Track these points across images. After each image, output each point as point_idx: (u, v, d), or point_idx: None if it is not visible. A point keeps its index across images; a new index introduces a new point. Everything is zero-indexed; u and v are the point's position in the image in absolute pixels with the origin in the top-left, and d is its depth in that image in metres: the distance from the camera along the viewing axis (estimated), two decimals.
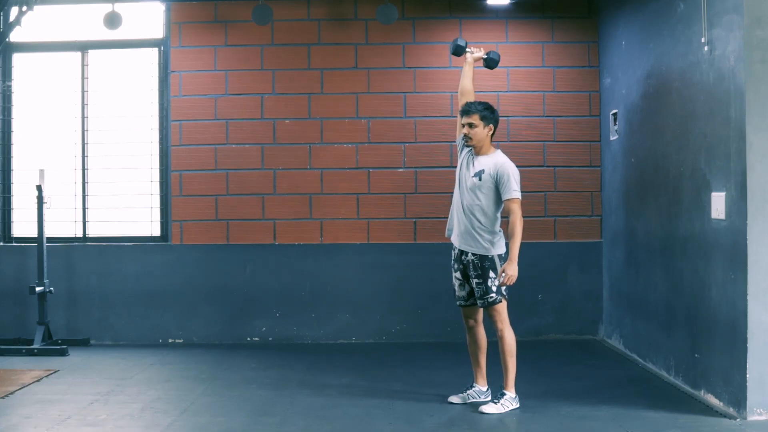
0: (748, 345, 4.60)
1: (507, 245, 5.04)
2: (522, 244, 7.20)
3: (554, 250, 7.38)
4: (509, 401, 4.99)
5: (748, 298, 4.60)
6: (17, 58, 7.61)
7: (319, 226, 7.39)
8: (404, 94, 7.39)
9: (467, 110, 5.08)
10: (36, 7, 6.90)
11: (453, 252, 5.17)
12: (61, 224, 7.44)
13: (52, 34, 7.54)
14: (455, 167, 7.31)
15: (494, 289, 4.97)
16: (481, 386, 5.20)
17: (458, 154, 5.25)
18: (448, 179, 7.31)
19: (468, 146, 5.13)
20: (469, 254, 5.03)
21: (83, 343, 7.19)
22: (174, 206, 7.40)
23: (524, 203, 7.31)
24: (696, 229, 5.24)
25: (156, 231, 7.51)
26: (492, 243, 5.00)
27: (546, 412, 4.97)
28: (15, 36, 7.34)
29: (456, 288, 5.18)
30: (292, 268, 7.36)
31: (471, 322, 5.19)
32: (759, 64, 4.61)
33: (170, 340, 7.37)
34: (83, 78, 7.52)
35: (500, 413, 4.91)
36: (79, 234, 7.50)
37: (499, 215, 5.04)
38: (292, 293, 7.36)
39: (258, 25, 7.09)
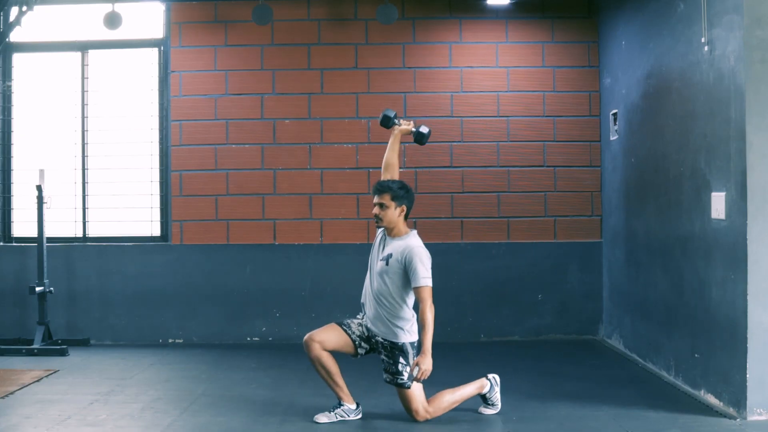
0: (748, 345, 4.60)
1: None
2: (522, 244, 7.36)
3: (554, 250, 7.38)
4: (491, 392, 4.92)
5: (748, 298, 4.60)
6: (17, 58, 7.61)
7: (319, 226, 7.39)
8: (404, 94, 7.39)
9: (379, 189, 4.76)
10: (36, 7, 6.90)
11: (363, 319, 4.84)
12: (61, 224, 7.44)
13: (52, 34, 7.54)
14: (455, 167, 7.39)
15: (405, 374, 4.69)
16: (350, 404, 4.85)
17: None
18: (448, 179, 7.34)
19: (378, 227, 4.86)
20: (379, 337, 4.76)
21: (83, 343, 7.19)
22: (174, 206, 7.40)
23: (524, 203, 7.42)
24: (696, 229, 5.24)
25: (156, 231, 7.51)
26: (404, 331, 4.71)
27: (546, 412, 4.97)
28: (15, 36, 7.34)
29: (354, 320, 4.87)
30: (292, 268, 7.36)
31: (315, 344, 4.69)
32: (759, 64, 4.61)
33: (170, 340, 7.37)
34: (83, 78, 7.52)
35: (498, 410, 4.91)
36: (79, 234, 7.50)
37: (409, 302, 4.72)
38: (292, 293, 7.36)
39: (258, 25, 7.08)
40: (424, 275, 4.60)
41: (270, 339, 7.36)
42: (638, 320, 6.42)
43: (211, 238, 7.38)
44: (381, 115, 5.13)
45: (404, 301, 4.72)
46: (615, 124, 6.93)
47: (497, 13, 7.39)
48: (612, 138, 7.01)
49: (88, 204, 7.51)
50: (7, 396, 5.37)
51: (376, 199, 4.78)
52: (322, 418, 4.77)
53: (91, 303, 7.37)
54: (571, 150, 7.41)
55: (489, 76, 7.40)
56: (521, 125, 7.40)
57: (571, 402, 5.17)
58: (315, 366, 4.78)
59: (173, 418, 4.90)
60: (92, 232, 7.52)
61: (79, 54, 7.53)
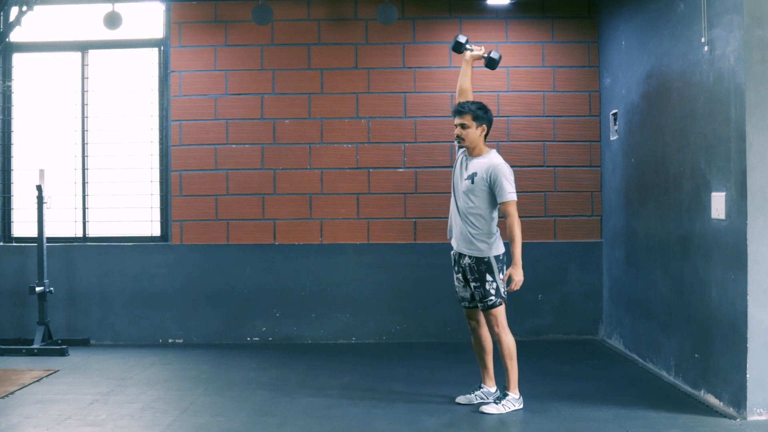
0: (748, 345, 4.60)
1: (505, 246, 5.02)
2: (522, 244, 7.31)
3: (554, 250, 7.38)
4: (512, 402, 4.97)
5: (748, 298, 4.60)
6: (17, 58, 7.61)
7: (319, 226, 7.39)
8: (404, 94, 7.39)
9: (459, 110, 4.98)
10: (36, 7, 6.90)
11: (452, 254, 5.13)
12: (61, 224, 7.44)
13: (52, 34, 7.54)
14: None
15: (492, 291, 4.92)
16: (489, 387, 5.15)
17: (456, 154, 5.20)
18: (448, 179, 7.29)
19: (461, 147, 5.05)
20: (466, 257, 4.97)
21: (83, 343, 7.19)
22: (174, 206, 7.40)
23: (524, 203, 7.37)
24: (696, 229, 5.24)
25: (156, 231, 7.51)
26: (489, 245, 4.92)
27: (546, 412, 4.97)
28: (15, 36, 7.34)
29: (459, 289, 5.14)
30: (292, 268, 7.36)
31: (473, 323, 5.13)
32: (759, 64, 4.61)
33: (170, 340, 7.37)
34: (83, 78, 7.52)
35: (501, 413, 4.91)
36: (79, 234, 7.50)
37: (495, 217, 4.95)
38: (292, 293, 7.36)
39: (258, 25, 7.08)
40: (510, 190, 4.85)
41: (270, 339, 7.36)
42: (638, 320, 6.42)
43: (211, 238, 7.38)
44: (453, 41, 5.31)
45: (490, 217, 4.93)
46: (615, 124, 6.93)
47: (497, 13, 7.39)
48: (612, 138, 7.01)
49: (88, 204, 7.51)
50: (7, 396, 5.37)
51: (457, 120, 4.97)
52: (463, 399, 5.11)
53: (91, 303, 7.36)
54: (571, 150, 7.41)
55: (489, 76, 7.37)
56: (521, 125, 7.40)
57: (571, 402, 5.17)
58: (474, 343, 5.16)
59: (173, 418, 4.90)
60: (92, 232, 7.52)
61: (79, 54, 7.53)
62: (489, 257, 4.92)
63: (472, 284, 4.98)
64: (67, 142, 7.52)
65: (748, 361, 4.60)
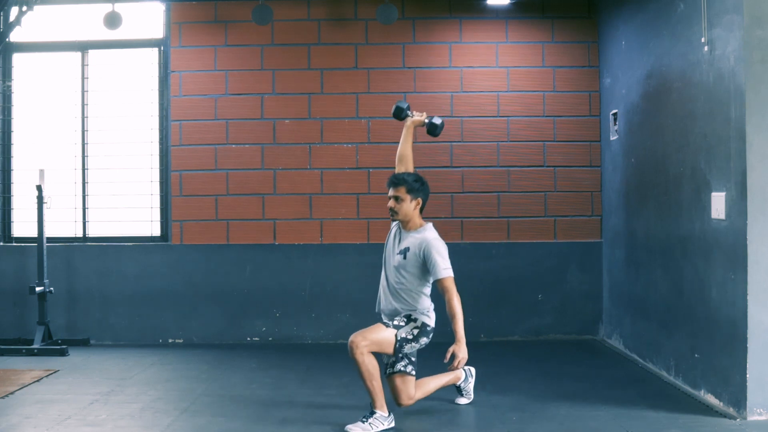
0: (748, 345, 4.60)
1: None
2: (522, 244, 7.37)
3: (554, 250, 7.38)
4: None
5: (748, 298, 4.60)
6: (17, 58, 7.61)
7: (319, 226, 7.39)
8: (404, 94, 7.39)
9: (394, 182, 4.78)
10: (36, 7, 6.90)
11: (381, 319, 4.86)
12: (61, 224, 7.44)
13: (52, 34, 7.54)
14: (455, 167, 7.39)
15: (410, 338, 4.70)
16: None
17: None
18: (448, 179, 7.33)
19: (394, 220, 4.87)
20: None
21: (83, 343, 7.19)
22: (174, 206, 7.40)
23: (524, 203, 7.42)
24: (696, 229, 5.24)
25: (156, 231, 7.51)
26: (423, 314, 4.74)
27: (546, 412, 4.97)
28: (15, 36, 7.34)
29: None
30: (292, 268, 7.36)
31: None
32: (759, 64, 4.61)
33: (170, 340, 7.37)
34: (83, 78, 7.52)
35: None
36: (79, 234, 7.50)
37: (426, 292, 4.75)
38: (292, 293, 7.36)
39: (258, 25, 7.08)
40: (444, 266, 4.61)
41: (270, 339, 7.36)
42: (638, 320, 6.42)
43: (211, 238, 7.38)
44: (394, 107, 5.13)
45: (422, 293, 4.75)
46: (615, 124, 6.93)
47: (497, 13, 7.40)
48: (612, 138, 7.02)
49: (88, 204, 7.51)
50: (7, 396, 5.37)
51: (391, 192, 4.80)
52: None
53: (91, 303, 7.37)
54: (571, 150, 7.41)
55: (489, 76, 7.40)
56: (521, 125, 7.40)
57: (571, 402, 5.17)
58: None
59: (173, 418, 4.90)
60: (92, 232, 7.52)
61: (79, 54, 7.53)
62: (419, 318, 4.72)
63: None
64: (67, 142, 7.52)
65: (748, 361, 4.60)
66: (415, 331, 4.71)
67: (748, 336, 4.60)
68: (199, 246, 7.38)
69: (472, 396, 5.10)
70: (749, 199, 4.60)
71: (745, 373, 4.62)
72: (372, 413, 4.62)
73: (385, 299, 4.84)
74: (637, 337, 6.47)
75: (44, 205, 6.95)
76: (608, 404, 5.10)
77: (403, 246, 4.77)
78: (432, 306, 4.81)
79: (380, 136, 7.38)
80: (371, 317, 7.31)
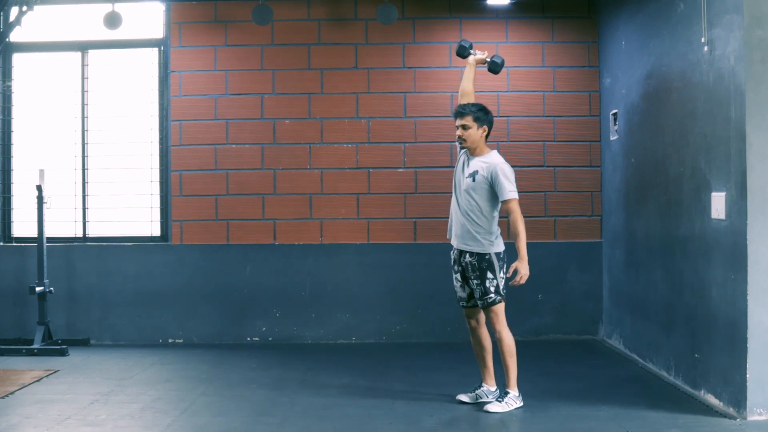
0: (748, 345, 4.60)
1: (505, 245, 5.07)
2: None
3: (554, 250, 7.38)
4: (513, 400, 5.00)
5: (748, 298, 4.60)
6: (17, 58, 7.61)
7: (319, 226, 7.39)
8: (404, 94, 7.39)
9: (461, 112, 5.08)
10: (36, 7, 6.90)
11: (452, 253, 5.17)
12: (61, 224, 7.44)
13: (52, 34, 7.54)
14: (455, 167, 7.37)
15: (492, 289, 4.98)
16: (490, 386, 5.19)
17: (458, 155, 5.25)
18: (448, 179, 7.29)
19: (462, 148, 5.13)
20: (467, 255, 5.03)
21: (83, 343, 7.19)
22: (174, 206, 7.40)
23: (524, 203, 7.32)
24: (696, 229, 5.24)
25: (156, 231, 7.51)
26: (491, 242, 5.00)
27: (546, 412, 4.97)
28: (15, 36, 7.34)
29: (457, 289, 5.19)
30: (292, 268, 7.36)
31: (473, 323, 5.19)
32: (759, 64, 4.61)
33: (170, 340, 7.37)
34: (83, 78, 7.52)
35: (504, 412, 4.93)
36: (79, 234, 7.50)
37: (496, 215, 5.03)
38: (292, 293, 7.36)
39: (258, 25, 7.08)
40: (511, 189, 4.93)
41: (270, 339, 7.36)
42: (638, 320, 6.42)
43: (211, 238, 7.38)
44: (458, 45, 5.42)
45: (491, 215, 5.00)
46: (615, 124, 6.93)
47: (497, 13, 7.40)
48: (612, 138, 7.01)
49: (88, 204, 7.51)
50: (7, 396, 5.37)
51: (458, 122, 5.06)
52: (464, 397, 5.14)
53: (91, 303, 7.36)
54: (571, 150, 7.41)
55: (489, 76, 7.37)
56: (521, 125, 7.40)
57: (571, 402, 5.17)
58: (474, 344, 5.21)
59: (173, 418, 4.90)
60: (92, 232, 7.52)
61: (79, 54, 7.53)
62: (490, 254, 4.99)
63: (473, 281, 5.02)
64: (67, 142, 7.52)
65: (748, 361, 4.60)
66: (494, 273, 4.99)
67: (748, 336, 4.60)
68: (199, 246, 7.38)
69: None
70: (749, 199, 4.60)
71: (745, 373, 4.62)
72: (506, 393, 5.04)
73: (456, 223, 5.09)
74: (637, 337, 6.47)
75: (44, 205, 6.95)
76: (608, 404, 5.10)
77: (471, 170, 5.02)
78: (499, 230, 5.06)
79: (380, 136, 7.38)
80: (371, 317, 7.36)
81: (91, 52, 7.55)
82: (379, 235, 7.37)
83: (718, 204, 4.90)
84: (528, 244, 7.26)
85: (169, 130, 7.42)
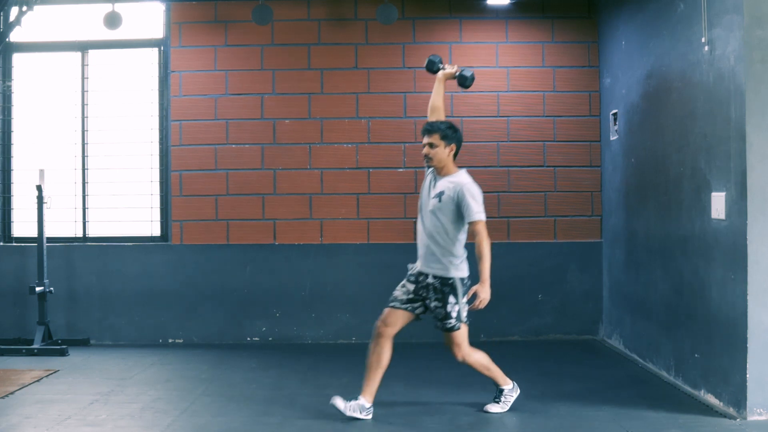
0: (748, 345, 4.60)
1: (470, 269, 4.89)
2: (522, 244, 7.37)
3: (554, 250, 7.38)
4: (509, 394, 4.98)
5: (748, 298, 4.60)
6: (17, 58, 7.61)
7: (319, 226, 7.39)
8: (404, 94, 7.39)
9: (428, 129, 4.89)
10: (36, 7, 6.90)
11: (411, 268, 4.95)
12: (61, 224, 7.45)
13: (52, 34, 7.54)
14: None
15: (454, 314, 4.78)
16: (365, 402, 4.84)
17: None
18: None
19: (429, 166, 4.94)
20: (430, 277, 4.82)
21: (83, 343, 7.19)
22: (174, 206, 7.40)
23: (524, 203, 7.42)
24: (696, 229, 5.24)
25: (156, 231, 7.51)
26: (455, 266, 4.79)
27: (546, 412, 4.97)
28: (15, 36, 7.34)
29: (397, 289, 4.95)
30: (292, 268, 7.36)
31: (384, 328, 4.88)
32: (759, 64, 4.61)
33: (170, 340, 7.37)
34: (83, 78, 7.52)
35: (504, 411, 4.94)
36: (79, 234, 7.50)
37: (462, 238, 4.82)
38: (292, 293, 7.36)
39: (258, 25, 7.09)
40: (477, 209, 4.73)
41: (270, 339, 7.36)
42: (638, 320, 6.42)
43: (211, 238, 7.38)
44: (426, 60, 5.27)
45: (457, 237, 4.81)
46: (615, 124, 6.93)
47: (497, 13, 7.40)
48: (612, 138, 7.02)
49: (88, 204, 7.51)
50: (7, 396, 5.37)
51: (425, 140, 4.89)
52: (339, 402, 4.83)
53: (91, 303, 7.37)
54: (571, 150, 7.41)
55: (489, 76, 7.40)
56: (521, 125, 7.40)
57: (571, 402, 5.17)
58: (373, 352, 4.88)
59: (173, 418, 4.90)
60: (92, 232, 7.52)
61: (79, 54, 7.53)
62: (454, 278, 4.79)
63: (433, 302, 4.82)
64: (67, 142, 7.52)
65: (748, 361, 4.60)
66: (456, 298, 4.80)
67: (748, 336, 4.60)
68: (199, 246, 7.38)
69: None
70: (749, 199, 4.60)
71: (745, 373, 4.62)
72: (500, 391, 4.98)
73: (422, 244, 4.90)
74: (637, 337, 6.47)
75: (44, 205, 6.95)
76: (608, 404, 5.10)
77: (438, 190, 4.85)
78: (465, 254, 4.85)
79: (380, 136, 7.38)
80: (371, 317, 7.30)
81: (91, 52, 7.55)
82: (379, 235, 7.37)
83: (718, 204, 4.90)
84: (528, 244, 7.38)
85: (169, 130, 7.42)
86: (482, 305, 4.69)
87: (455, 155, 4.93)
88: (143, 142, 7.50)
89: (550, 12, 7.43)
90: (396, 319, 4.91)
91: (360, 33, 7.40)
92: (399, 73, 7.41)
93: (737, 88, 4.69)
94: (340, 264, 7.36)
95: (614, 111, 6.94)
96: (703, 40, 5.06)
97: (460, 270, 4.82)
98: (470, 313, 4.89)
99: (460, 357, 4.88)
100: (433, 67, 5.24)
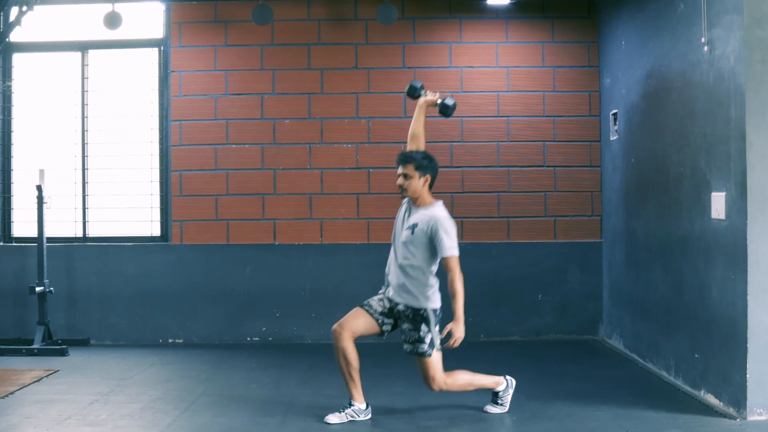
0: (748, 345, 4.60)
1: (442, 300, 4.80)
2: (522, 244, 7.37)
3: (554, 250, 7.38)
4: (505, 394, 4.95)
5: (748, 298, 4.60)
6: (17, 58, 7.61)
7: (319, 226, 7.39)
8: (404, 94, 7.38)
9: (403, 159, 4.76)
10: (36, 7, 6.90)
11: (384, 292, 4.88)
12: (61, 224, 7.45)
13: (52, 34, 7.54)
14: (455, 167, 7.39)
15: (427, 341, 4.67)
16: (360, 404, 4.81)
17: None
18: (448, 179, 7.33)
19: (403, 197, 4.84)
20: (401, 305, 4.76)
21: (83, 343, 7.19)
22: (174, 206, 7.40)
23: (524, 203, 7.42)
24: (696, 229, 5.24)
25: (156, 231, 7.51)
26: (426, 297, 4.71)
27: (546, 412, 4.97)
28: (15, 36, 7.34)
29: (373, 298, 4.89)
30: (292, 268, 7.36)
31: (342, 331, 4.75)
32: (759, 64, 4.61)
33: (170, 340, 7.37)
34: (83, 78, 7.52)
35: (504, 411, 4.93)
36: (79, 234, 7.50)
37: (433, 269, 4.72)
38: (292, 293, 7.36)
39: (258, 25, 7.09)
40: (450, 245, 4.60)
41: (270, 339, 7.36)
42: (638, 320, 6.42)
43: (211, 238, 7.38)
44: (407, 86, 5.13)
45: (429, 270, 4.72)
46: (615, 124, 6.93)
47: (497, 13, 7.40)
48: (612, 138, 7.02)
49: (88, 204, 7.51)
50: (7, 396, 5.37)
51: (400, 170, 4.77)
52: (333, 418, 4.73)
53: (91, 303, 7.37)
54: (571, 150, 7.41)
55: (489, 76, 7.40)
56: (521, 125, 7.40)
57: (571, 402, 5.17)
58: (338, 356, 4.74)
59: (173, 418, 4.90)
60: (92, 232, 7.52)
61: (79, 54, 7.53)
62: (426, 309, 4.70)
63: (405, 326, 4.74)
64: (67, 142, 7.52)
65: (748, 361, 4.60)
66: (429, 327, 4.69)
67: (748, 336, 4.60)
68: (199, 246, 7.38)
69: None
70: (749, 199, 4.60)
71: (745, 373, 4.62)
72: (495, 394, 4.91)
73: (393, 273, 4.82)
74: (637, 337, 6.47)
75: (44, 205, 6.95)
76: (608, 404, 5.10)
77: (411, 222, 4.74)
78: (437, 284, 4.76)
79: (380, 136, 7.39)
80: None
81: (91, 52, 7.55)
82: (379, 235, 7.36)
83: (718, 204, 4.90)
84: (528, 244, 7.38)
85: (169, 130, 7.42)
86: (456, 344, 4.57)
87: (431, 185, 4.80)
88: (143, 142, 7.50)
89: (550, 12, 7.43)
90: (358, 324, 4.79)
91: (360, 33, 7.40)
92: (399, 73, 7.41)
93: (737, 88, 4.69)
94: (340, 264, 7.36)
95: (614, 111, 6.94)
96: (703, 40, 5.06)
97: (431, 301, 4.72)
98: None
99: (436, 387, 4.74)
100: (414, 93, 5.08)
